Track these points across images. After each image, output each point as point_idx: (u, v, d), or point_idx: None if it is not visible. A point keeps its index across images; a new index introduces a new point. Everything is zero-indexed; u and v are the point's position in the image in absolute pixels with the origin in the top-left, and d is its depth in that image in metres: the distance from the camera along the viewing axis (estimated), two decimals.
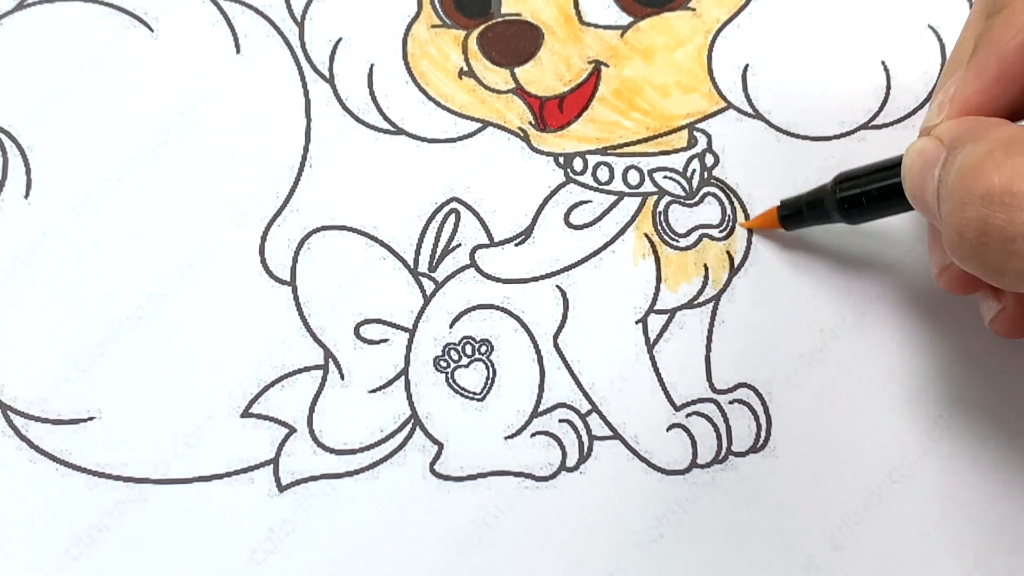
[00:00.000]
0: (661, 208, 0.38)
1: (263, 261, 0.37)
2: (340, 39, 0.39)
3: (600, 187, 0.38)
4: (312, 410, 0.36)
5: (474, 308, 0.37)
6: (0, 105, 0.38)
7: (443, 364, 0.36)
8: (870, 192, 0.34)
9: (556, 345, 0.37)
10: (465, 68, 0.39)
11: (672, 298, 0.37)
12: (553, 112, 0.39)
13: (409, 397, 0.36)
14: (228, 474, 0.35)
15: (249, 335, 0.36)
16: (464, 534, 0.35)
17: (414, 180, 0.38)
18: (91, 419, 0.36)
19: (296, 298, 0.37)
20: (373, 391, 0.36)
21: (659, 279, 0.37)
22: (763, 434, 0.36)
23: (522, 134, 0.38)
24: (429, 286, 0.37)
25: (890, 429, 0.36)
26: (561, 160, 0.38)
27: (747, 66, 0.39)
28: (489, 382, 0.36)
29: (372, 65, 0.39)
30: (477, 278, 0.37)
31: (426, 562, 0.35)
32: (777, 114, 0.38)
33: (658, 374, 0.36)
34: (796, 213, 0.36)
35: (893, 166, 0.33)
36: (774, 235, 0.37)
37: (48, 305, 0.36)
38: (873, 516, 0.35)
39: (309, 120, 0.38)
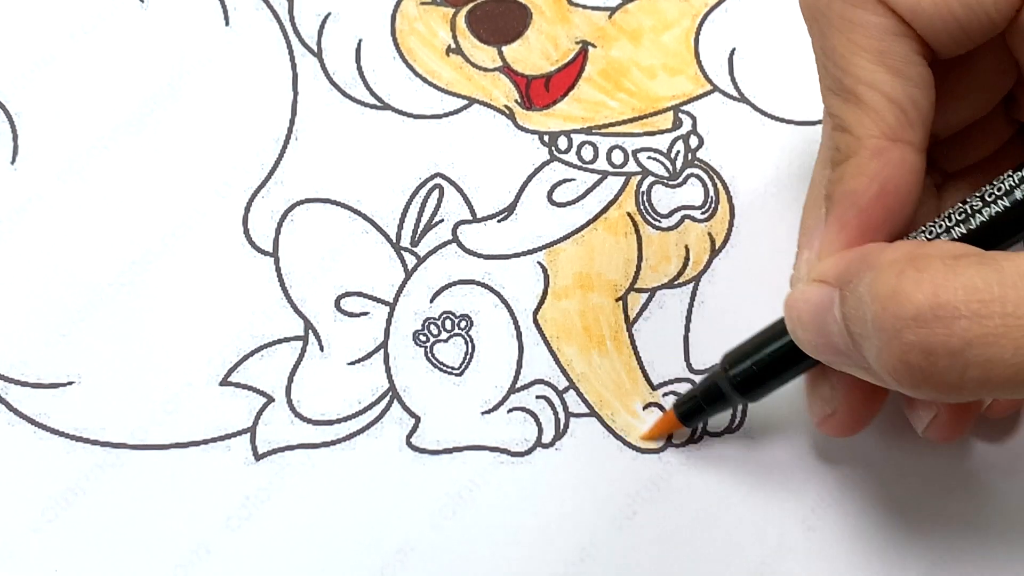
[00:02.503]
0: (644, 188, 0.38)
1: (246, 232, 0.37)
2: (329, 14, 0.39)
3: (584, 166, 0.38)
4: (291, 380, 0.36)
5: (455, 283, 0.37)
6: None
7: (422, 338, 0.37)
8: (763, 361, 0.32)
9: (535, 321, 0.37)
10: (453, 45, 0.39)
11: (652, 277, 0.37)
12: (539, 91, 0.39)
13: (388, 370, 0.36)
14: (205, 441, 0.35)
15: (230, 305, 0.37)
16: (438, 507, 0.35)
17: (399, 155, 0.38)
18: (70, 383, 0.36)
19: (278, 269, 0.37)
20: (352, 363, 0.36)
21: (640, 258, 0.37)
22: (738, 415, 0.36)
23: (508, 112, 0.39)
24: (411, 260, 0.37)
25: None
26: (546, 138, 0.38)
27: (734, 50, 0.39)
28: (468, 357, 0.36)
29: (360, 40, 0.39)
30: (459, 253, 0.37)
31: (400, 534, 0.35)
32: (762, 98, 0.39)
33: (636, 353, 0.36)
34: (695, 408, 0.34)
35: (780, 330, 0.31)
36: (759, 218, 0.37)
37: (30, 270, 0.37)
38: (846, 499, 0.35)
39: (296, 93, 0.39)
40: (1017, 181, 0.28)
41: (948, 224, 0.29)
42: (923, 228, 0.30)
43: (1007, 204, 0.28)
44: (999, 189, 0.29)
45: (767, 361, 0.32)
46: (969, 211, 0.29)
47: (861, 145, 0.30)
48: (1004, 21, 0.29)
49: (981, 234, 0.29)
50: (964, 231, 0.29)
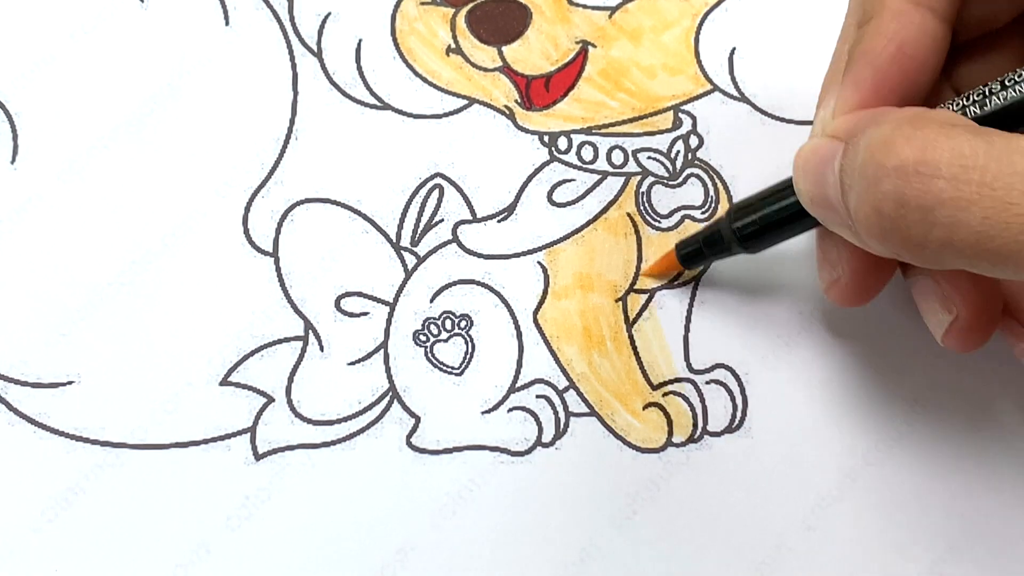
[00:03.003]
0: (644, 188, 0.38)
1: (246, 232, 0.37)
2: (329, 14, 0.39)
3: (584, 166, 0.38)
4: (291, 380, 0.36)
5: (455, 283, 0.37)
6: None
7: (422, 338, 0.37)
8: (767, 215, 0.33)
9: (536, 321, 0.37)
10: (453, 45, 0.39)
11: (652, 278, 0.37)
12: (539, 91, 0.39)
13: (388, 370, 0.36)
14: (205, 441, 0.35)
15: (230, 305, 0.37)
16: (439, 507, 0.35)
17: (399, 155, 0.38)
18: (70, 383, 0.36)
19: (278, 269, 0.37)
20: (352, 363, 0.36)
21: (640, 259, 0.37)
22: (739, 415, 0.36)
23: (508, 112, 0.39)
24: (411, 260, 0.37)
25: (866, 413, 0.36)
26: (546, 138, 0.38)
27: (734, 49, 0.39)
28: (468, 357, 0.36)
29: (360, 40, 0.39)
30: (459, 253, 0.37)
31: (400, 533, 0.35)
32: (762, 97, 0.39)
33: (636, 353, 0.36)
34: (695, 252, 0.35)
35: (787, 187, 0.32)
36: None
37: (31, 270, 0.37)
38: (846, 498, 0.35)
39: (296, 93, 0.39)
40: None
41: (965, 103, 0.29)
42: (942, 105, 0.30)
43: None
44: (1020, 76, 0.29)
45: (769, 214, 0.33)
46: (987, 93, 0.29)
47: (884, 6, 0.30)
48: None
49: (995, 116, 0.29)
50: (978, 111, 0.29)
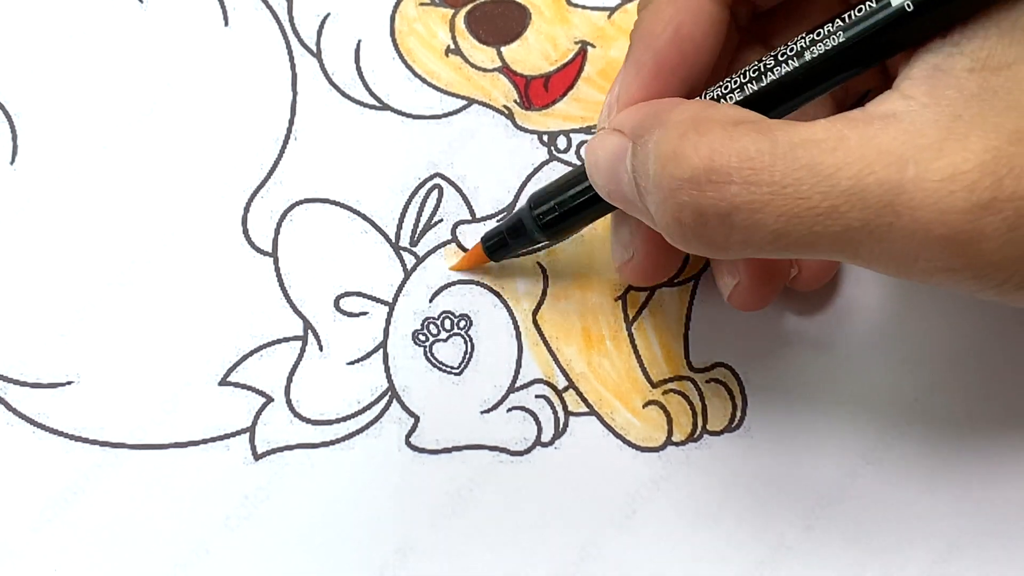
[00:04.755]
0: None
1: (245, 232, 0.37)
2: (328, 14, 0.39)
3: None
4: (290, 380, 0.36)
5: (454, 283, 0.37)
6: None
7: (422, 338, 0.37)
8: (565, 203, 0.33)
9: (535, 321, 0.37)
10: (452, 46, 0.39)
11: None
12: (538, 91, 0.39)
13: (387, 370, 0.36)
14: (204, 441, 0.35)
15: (229, 304, 0.37)
16: (438, 506, 0.35)
17: (398, 155, 0.38)
18: (69, 383, 0.36)
19: (277, 269, 0.37)
20: (351, 363, 0.36)
21: None
22: (739, 413, 0.36)
23: (507, 112, 0.39)
24: (410, 260, 0.37)
25: (866, 411, 0.36)
26: (545, 138, 0.38)
27: None
28: (467, 356, 0.36)
29: (359, 41, 0.39)
30: (458, 253, 0.37)
31: (399, 533, 0.35)
32: None
33: (636, 351, 0.36)
34: (500, 242, 0.36)
35: (582, 174, 0.33)
36: None
37: (30, 270, 0.37)
38: (846, 497, 0.35)
39: (295, 94, 0.39)
40: (808, 43, 0.29)
41: (742, 80, 0.30)
42: (720, 83, 0.30)
43: (796, 65, 0.29)
44: (791, 50, 0.29)
45: (568, 202, 0.33)
46: (762, 69, 0.29)
47: None
48: None
49: (771, 93, 0.29)
50: (755, 88, 0.29)
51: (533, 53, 0.39)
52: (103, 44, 0.39)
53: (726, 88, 0.30)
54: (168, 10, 0.39)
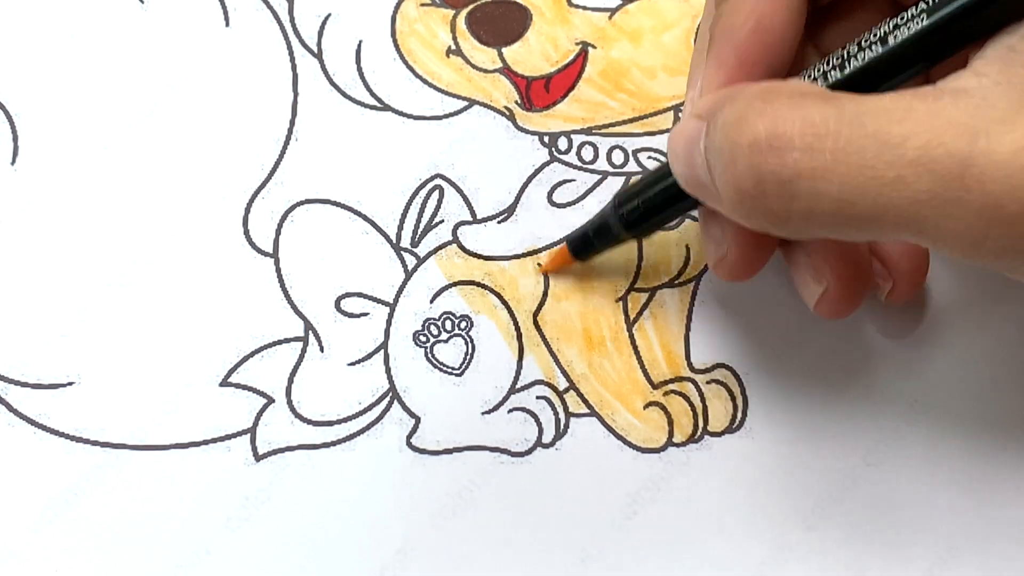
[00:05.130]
0: None
1: (246, 232, 0.37)
2: (329, 15, 0.39)
3: (584, 166, 0.38)
4: (291, 381, 0.36)
5: (455, 284, 0.37)
6: None
7: (423, 339, 0.37)
8: (648, 198, 0.33)
9: (536, 322, 0.37)
10: (453, 47, 0.39)
11: (653, 277, 0.37)
12: (539, 92, 0.39)
13: (388, 371, 0.36)
14: (205, 442, 0.35)
15: (230, 305, 0.37)
16: (439, 507, 0.35)
17: (399, 156, 0.38)
18: (70, 384, 0.36)
19: (278, 270, 0.37)
20: (352, 364, 0.36)
21: (640, 258, 0.37)
22: (739, 415, 0.36)
23: (508, 113, 0.39)
24: (411, 261, 0.37)
25: (866, 413, 0.36)
26: (546, 139, 0.38)
27: None
28: (468, 357, 0.36)
29: (360, 42, 0.39)
30: (459, 254, 0.37)
31: (400, 534, 0.35)
32: None
33: (637, 352, 0.36)
34: (585, 241, 0.36)
35: (667, 170, 0.32)
36: None
37: (31, 270, 0.37)
38: (847, 498, 0.35)
39: (296, 94, 0.39)
40: (891, 28, 0.28)
41: (825, 68, 0.29)
42: (804, 72, 0.30)
43: (880, 51, 0.29)
44: (875, 35, 0.29)
45: (651, 197, 0.33)
46: (845, 56, 0.29)
47: None
48: None
49: (854, 79, 0.29)
50: (839, 75, 0.29)
51: (534, 54, 0.39)
52: (103, 44, 0.39)
53: (810, 76, 0.30)
54: (169, 10, 0.39)
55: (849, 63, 0.29)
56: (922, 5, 0.28)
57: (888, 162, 0.25)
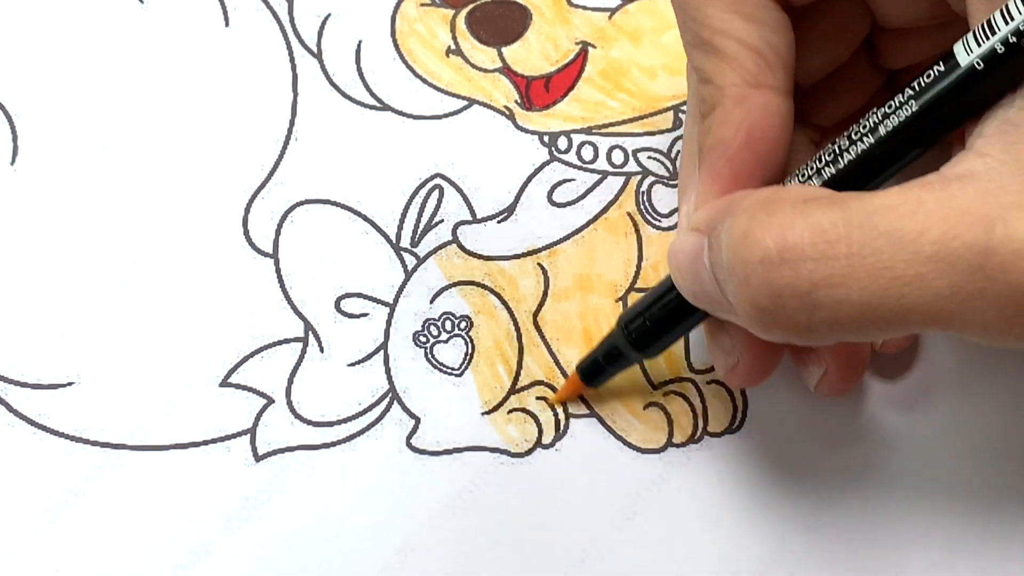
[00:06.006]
0: (644, 188, 0.38)
1: (246, 233, 0.37)
2: (329, 15, 0.39)
3: (584, 166, 0.38)
4: (291, 382, 0.36)
5: (455, 284, 0.37)
6: None
7: (422, 339, 0.37)
8: (654, 315, 0.32)
9: (536, 322, 0.37)
10: (452, 47, 0.39)
11: (653, 277, 0.37)
12: (539, 91, 0.39)
13: (387, 371, 0.36)
14: (205, 442, 0.35)
15: (230, 306, 0.37)
16: (439, 508, 0.35)
17: (399, 156, 0.38)
18: (70, 384, 0.36)
19: (278, 270, 0.37)
20: (352, 364, 0.36)
21: (640, 258, 0.37)
22: (739, 415, 0.36)
23: (507, 112, 0.39)
24: (411, 261, 0.37)
25: (866, 415, 0.36)
26: (546, 138, 0.38)
27: None
28: (467, 358, 0.36)
29: (360, 42, 0.39)
30: (459, 254, 0.37)
31: (400, 535, 0.35)
32: None
33: None
34: (596, 368, 0.35)
35: (669, 285, 0.31)
36: None
37: (30, 271, 0.37)
38: (846, 499, 0.35)
39: (296, 94, 0.39)
40: (880, 117, 0.28)
41: (819, 166, 0.29)
42: (796, 172, 0.30)
43: (872, 141, 0.28)
44: (864, 127, 0.28)
45: (658, 315, 0.32)
46: (837, 151, 0.29)
47: (724, 94, 0.30)
48: None
49: (850, 173, 0.28)
50: (834, 171, 0.29)
51: (534, 54, 0.39)
52: (103, 44, 0.39)
53: (803, 176, 0.29)
54: (168, 10, 0.39)
55: (842, 157, 0.28)
56: (908, 92, 0.27)
57: (906, 260, 0.24)
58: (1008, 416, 0.36)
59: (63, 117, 0.38)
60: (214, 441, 0.35)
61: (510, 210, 0.38)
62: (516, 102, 0.39)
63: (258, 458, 0.35)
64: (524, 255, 0.37)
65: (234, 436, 0.35)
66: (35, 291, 0.36)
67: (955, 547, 0.35)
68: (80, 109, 0.38)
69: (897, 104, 0.28)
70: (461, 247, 0.37)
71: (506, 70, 0.39)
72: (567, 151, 0.38)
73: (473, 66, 0.39)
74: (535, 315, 0.37)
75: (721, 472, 0.35)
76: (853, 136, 0.28)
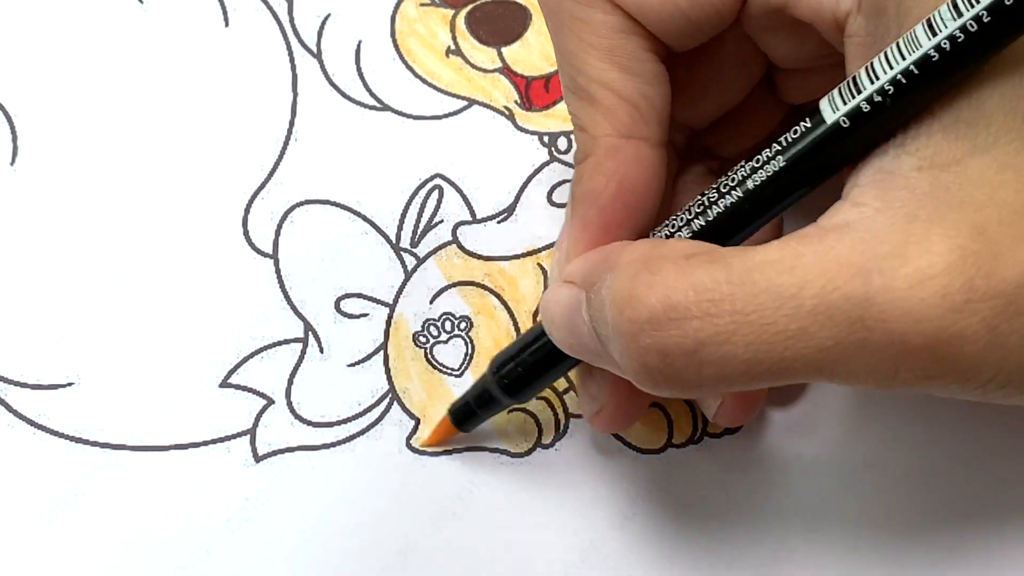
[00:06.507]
0: None
1: (246, 233, 0.37)
2: (329, 15, 0.39)
3: None
4: (290, 382, 0.36)
5: (455, 284, 0.37)
6: None
7: (422, 340, 0.37)
8: (525, 361, 0.32)
9: (536, 323, 0.37)
10: (452, 47, 0.39)
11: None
12: (539, 92, 0.39)
13: (387, 372, 0.36)
14: (205, 443, 0.35)
15: (230, 306, 0.37)
16: (439, 508, 0.35)
17: (398, 156, 0.38)
18: (70, 384, 0.36)
19: (278, 271, 0.37)
20: (352, 365, 0.36)
21: None
22: None
23: (507, 112, 0.39)
24: (411, 261, 0.37)
25: (866, 413, 0.36)
26: (546, 139, 0.38)
27: None
28: (467, 358, 0.36)
29: (360, 42, 0.39)
30: (459, 254, 0.37)
31: (400, 535, 0.35)
32: None
33: None
34: (468, 412, 0.34)
35: (541, 332, 0.31)
36: None
37: (30, 271, 0.37)
38: (846, 499, 0.35)
39: (296, 95, 0.39)
40: (748, 171, 0.28)
41: (688, 217, 0.29)
42: (667, 222, 0.30)
43: (740, 194, 0.28)
44: (733, 180, 0.28)
45: (531, 362, 0.32)
46: (707, 203, 0.29)
47: (597, 144, 0.30)
48: (731, 13, 0.30)
49: (719, 225, 0.28)
50: (703, 223, 0.29)
51: (534, 54, 0.39)
52: (103, 44, 0.39)
53: (673, 226, 0.29)
54: (168, 10, 0.39)
55: (711, 209, 0.28)
56: (776, 147, 0.27)
57: (787, 316, 0.25)
58: (1013, 411, 0.36)
59: (63, 117, 0.38)
60: (214, 442, 0.35)
61: (510, 210, 0.38)
62: (516, 102, 0.39)
63: (258, 459, 0.35)
64: (524, 255, 0.37)
65: (234, 437, 0.35)
66: (35, 291, 0.36)
67: (956, 547, 0.35)
68: (80, 109, 0.38)
69: (765, 159, 0.28)
70: (461, 247, 0.37)
71: (506, 70, 0.39)
72: (567, 151, 0.38)
73: (473, 66, 0.39)
74: (535, 315, 0.37)
75: (721, 472, 0.35)
76: (722, 188, 0.28)
